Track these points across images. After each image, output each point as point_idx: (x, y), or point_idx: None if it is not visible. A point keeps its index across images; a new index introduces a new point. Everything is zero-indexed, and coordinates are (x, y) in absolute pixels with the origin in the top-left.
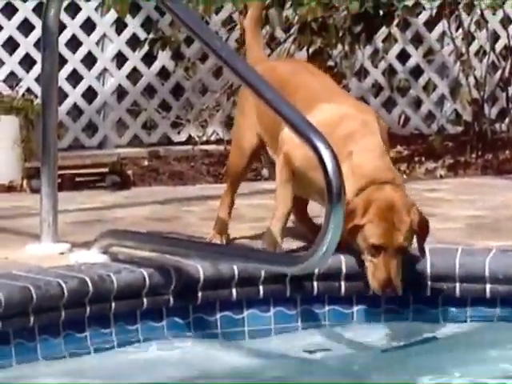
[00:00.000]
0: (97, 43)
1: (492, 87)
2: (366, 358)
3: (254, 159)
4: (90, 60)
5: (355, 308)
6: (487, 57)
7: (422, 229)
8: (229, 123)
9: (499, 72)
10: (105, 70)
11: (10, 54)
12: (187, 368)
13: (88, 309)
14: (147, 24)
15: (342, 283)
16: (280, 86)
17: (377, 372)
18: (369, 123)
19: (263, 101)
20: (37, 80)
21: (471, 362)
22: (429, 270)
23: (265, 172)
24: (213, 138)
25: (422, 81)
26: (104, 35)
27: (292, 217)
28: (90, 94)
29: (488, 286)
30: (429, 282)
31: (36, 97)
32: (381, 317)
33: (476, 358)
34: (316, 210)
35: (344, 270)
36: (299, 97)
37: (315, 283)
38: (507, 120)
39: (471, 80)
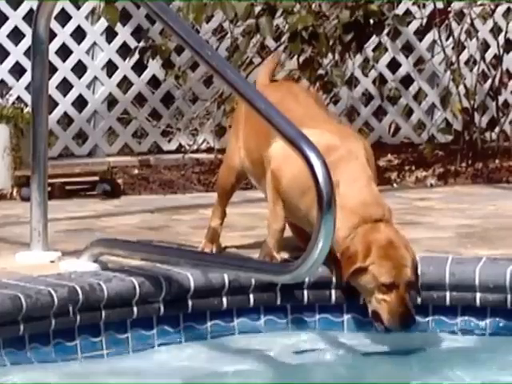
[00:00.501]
0: (87, 52)
1: (482, 96)
2: (356, 364)
3: (242, 179)
4: (80, 68)
5: (346, 316)
6: (477, 66)
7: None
8: (219, 132)
9: (489, 81)
10: (95, 78)
11: (0, 63)
12: (178, 376)
13: (78, 317)
14: (138, 32)
15: (333, 292)
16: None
17: (368, 378)
18: (354, 150)
19: (254, 110)
20: (27, 88)
21: (460, 372)
22: (419, 279)
23: None
24: (203, 147)
25: (413, 90)
26: (94, 43)
27: None
28: (80, 103)
29: (478, 295)
30: (419, 291)
31: (26, 105)
32: (372, 326)
33: (465, 368)
34: None
35: (334, 278)
36: None
37: (305, 292)
38: (497, 129)
39: (461, 89)
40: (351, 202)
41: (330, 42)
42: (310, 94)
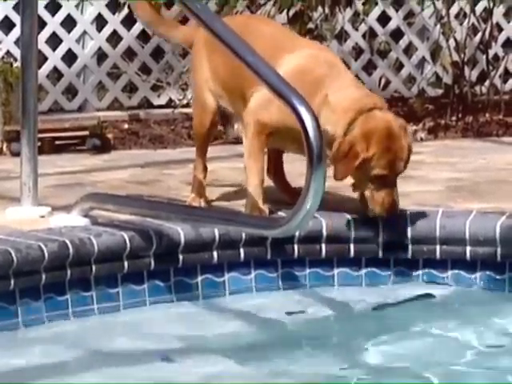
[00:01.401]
0: (76, 6)
1: (472, 50)
2: (353, 317)
3: (217, 117)
4: (69, 23)
5: (336, 270)
6: (467, 19)
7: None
8: None
9: (479, 34)
10: (84, 32)
11: None
12: (169, 331)
13: (69, 272)
14: None
15: (323, 246)
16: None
17: (367, 330)
18: (334, 62)
19: (244, 63)
20: (16, 43)
21: (449, 325)
22: (409, 233)
23: None
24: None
25: (403, 43)
26: None
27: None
28: (69, 57)
29: (468, 249)
30: (409, 245)
31: (15, 60)
32: (361, 279)
33: (454, 321)
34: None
35: (325, 232)
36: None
37: (296, 246)
38: (487, 82)
39: (451, 43)
40: (341, 102)
41: None
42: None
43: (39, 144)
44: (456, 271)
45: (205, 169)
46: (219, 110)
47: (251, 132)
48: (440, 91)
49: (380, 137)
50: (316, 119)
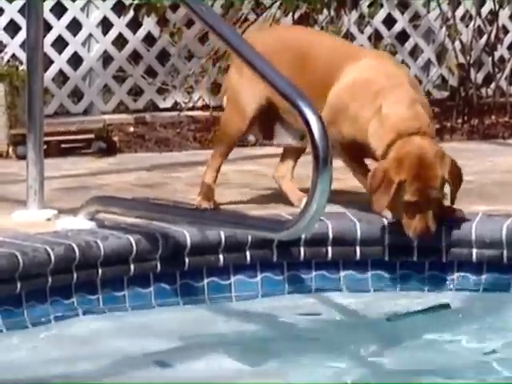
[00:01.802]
0: (82, 9)
1: (478, 52)
2: (360, 321)
3: (254, 124)
4: (75, 26)
5: (342, 273)
6: (473, 21)
7: (454, 178)
8: (214, 89)
9: (485, 37)
10: (90, 36)
11: None
12: (174, 333)
13: (75, 275)
14: None
15: (329, 248)
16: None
17: (374, 334)
18: (394, 73)
19: (250, 67)
20: (22, 46)
21: (455, 328)
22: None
23: (251, 138)
24: (199, 104)
25: (408, 46)
26: (89, 1)
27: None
28: (75, 61)
29: (474, 251)
30: (415, 248)
31: (21, 63)
32: (368, 282)
33: (459, 325)
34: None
35: (331, 235)
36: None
37: (302, 248)
38: (493, 85)
39: (457, 45)
40: (390, 119)
41: None
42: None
43: (45, 147)
44: (462, 273)
45: (218, 171)
46: (258, 118)
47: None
48: (446, 93)
49: (411, 164)
50: (322, 121)
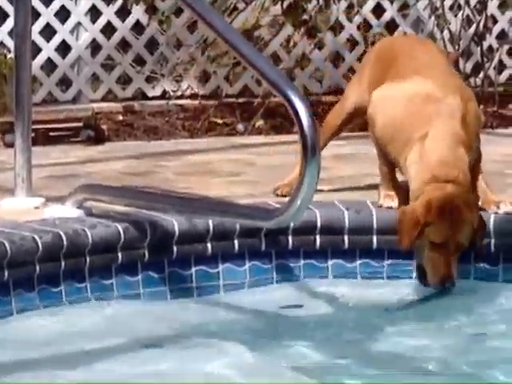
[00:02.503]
0: None
1: (467, 42)
2: (345, 309)
3: (350, 121)
4: (63, 14)
5: (330, 262)
6: (462, 11)
7: (480, 228)
8: (203, 78)
9: (474, 26)
10: (78, 24)
11: None
12: (162, 321)
13: (63, 263)
14: None
15: (317, 237)
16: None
17: (364, 323)
18: (452, 107)
19: (239, 55)
20: (10, 34)
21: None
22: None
23: (240, 127)
24: (187, 93)
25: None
26: None
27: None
28: (63, 49)
29: None
30: None
31: (9, 51)
32: (356, 271)
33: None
34: None
35: (319, 224)
36: (402, 68)
37: (290, 237)
38: (482, 74)
39: (446, 34)
40: (431, 157)
41: None
42: (441, 51)
43: (33, 135)
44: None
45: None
46: (354, 116)
47: (368, 121)
48: None
49: (440, 207)
50: (311, 110)
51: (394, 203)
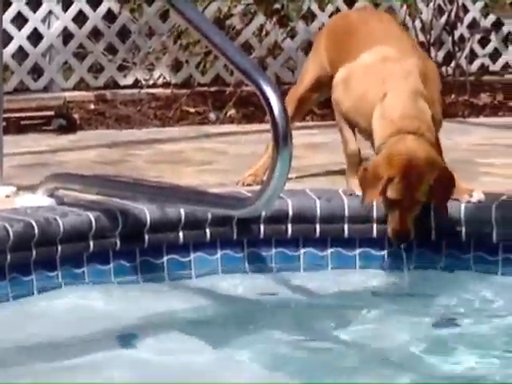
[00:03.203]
0: None
1: (438, 31)
2: (316, 298)
3: (310, 98)
4: (35, 2)
5: (302, 251)
6: (433, 0)
7: (440, 185)
8: (175, 67)
9: (445, 15)
10: (50, 12)
11: None
12: (134, 310)
13: (34, 252)
14: None
15: (289, 226)
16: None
17: (333, 311)
18: (408, 66)
19: (211, 44)
20: None
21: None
22: (375, 213)
23: (212, 116)
24: (160, 82)
25: None
26: None
27: None
28: (35, 37)
29: (433, 227)
30: (374, 225)
31: None
32: (327, 260)
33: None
34: None
35: (291, 212)
36: (357, 41)
37: (262, 226)
38: (453, 64)
39: (417, 24)
40: (391, 112)
41: None
42: (395, 21)
43: (4, 124)
44: (422, 249)
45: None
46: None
47: (334, 105)
48: None
49: (400, 162)
50: (282, 100)
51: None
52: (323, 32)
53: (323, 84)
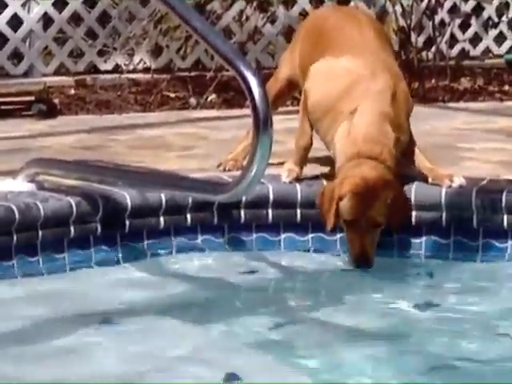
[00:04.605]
0: None
1: (419, 15)
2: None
3: (284, 94)
4: None
5: (282, 236)
6: None
7: (395, 208)
8: (155, 52)
9: (426, 0)
10: None
11: None
12: (115, 295)
13: (15, 237)
14: None
15: (270, 211)
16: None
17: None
18: (381, 85)
19: (191, 29)
20: None
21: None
22: None
23: (193, 101)
24: (140, 67)
25: None
26: None
27: None
28: (15, 22)
29: (414, 214)
30: None
31: None
32: (308, 244)
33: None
34: None
35: (271, 197)
36: (332, 46)
37: (242, 211)
38: (434, 48)
39: (398, 8)
40: (356, 133)
41: None
42: (374, 23)
43: None
44: (403, 236)
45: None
46: (288, 86)
47: (302, 96)
48: None
49: (353, 183)
50: (262, 84)
51: (291, 178)
52: (300, 31)
53: (294, 83)
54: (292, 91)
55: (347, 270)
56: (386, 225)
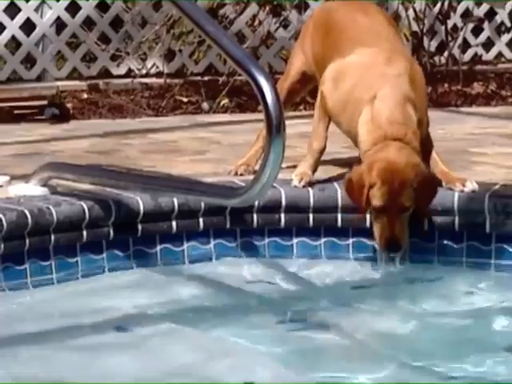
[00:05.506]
0: None
1: (431, 20)
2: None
3: (297, 89)
4: None
5: (295, 240)
6: None
7: (423, 190)
8: (168, 56)
9: (439, 5)
10: (43, 1)
11: None
12: (127, 300)
13: (27, 241)
14: None
15: (282, 215)
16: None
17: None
18: (398, 70)
19: (204, 34)
20: None
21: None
22: None
23: (205, 105)
24: (152, 71)
25: None
26: None
27: None
28: (28, 27)
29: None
30: (368, 215)
31: None
32: (321, 250)
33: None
34: None
35: (284, 202)
36: (345, 37)
37: (255, 215)
38: (446, 53)
39: (411, 13)
40: (379, 117)
41: None
42: (382, 13)
43: None
44: (415, 239)
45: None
46: (300, 81)
47: (318, 99)
48: None
49: (381, 168)
50: (275, 89)
51: (304, 183)
52: (308, 25)
53: (308, 77)
54: (305, 87)
55: (360, 278)
56: (415, 208)
